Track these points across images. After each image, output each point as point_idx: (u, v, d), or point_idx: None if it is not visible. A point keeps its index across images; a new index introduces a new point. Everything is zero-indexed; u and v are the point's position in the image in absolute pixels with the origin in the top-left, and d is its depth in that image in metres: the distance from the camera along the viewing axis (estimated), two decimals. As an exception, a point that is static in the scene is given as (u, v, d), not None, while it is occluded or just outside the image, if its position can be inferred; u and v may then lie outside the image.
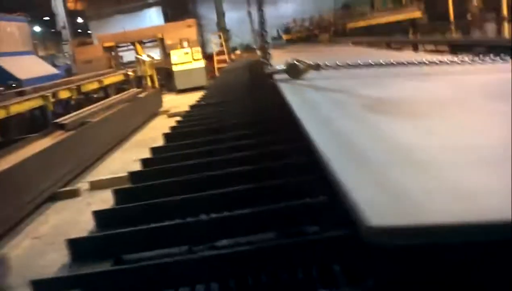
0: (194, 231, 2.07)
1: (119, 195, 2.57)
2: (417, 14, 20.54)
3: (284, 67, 3.45)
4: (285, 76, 3.46)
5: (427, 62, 3.29)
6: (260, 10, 3.36)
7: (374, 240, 0.81)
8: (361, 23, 21.23)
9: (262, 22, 3.45)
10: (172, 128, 4.20)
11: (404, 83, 2.76)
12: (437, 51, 10.43)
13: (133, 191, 2.63)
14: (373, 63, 3.43)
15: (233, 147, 3.10)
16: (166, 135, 3.89)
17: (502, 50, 8.15)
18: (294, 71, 3.45)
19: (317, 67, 3.45)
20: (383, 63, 3.40)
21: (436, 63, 3.25)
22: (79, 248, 2.00)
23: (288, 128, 3.12)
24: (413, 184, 0.96)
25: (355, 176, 1.02)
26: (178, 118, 8.51)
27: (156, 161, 3.22)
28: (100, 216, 2.31)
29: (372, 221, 0.81)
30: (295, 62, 3.43)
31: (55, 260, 3.94)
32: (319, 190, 2.15)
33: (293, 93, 2.58)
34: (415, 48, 11.25)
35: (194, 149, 3.33)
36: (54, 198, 5.70)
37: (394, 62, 3.41)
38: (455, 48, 9.37)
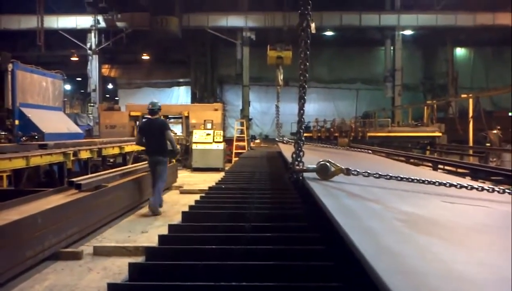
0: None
1: (134, 269, 2.49)
2: (436, 133, 20.96)
3: (315, 167, 3.46)
4: (313, 175, 3.47)
5: (455, 184, 3.28)
6: (301, 109, 3.43)
7: None
8: (381, 133, 21.67)
9: (300, 120, 3.50)
10: (191, 207, 4.15)
11: (437, 203, 2.73)
12: (456, 172, 10.49)
13: (148, 268, 2.55)
14: (403, 177, 3.42)
15: (254, 239, 3.04)
16: (184, 214, 3.84)
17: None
18: (324, 172, 3.45)
19: (347, 172, 3.45)
20: (414, 179, 3.40)
21: (466, 187, 3.24)
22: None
23: (316, 229, 3.07)
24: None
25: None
26: (191, 196, 8.45)
27: (173, 239, 3.16)
28: (113, 289, 2.22)
29: None
30: (327, 163, 3.45)
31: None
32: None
33: (326, 195, 2.55)
34: (435, 166, 11.33)
35: (211, 233, 3.27)
36: (56, 257, 5.57)
37: (423, 180, 3.41)
38: (475, 172, 9.42)
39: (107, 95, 36.21)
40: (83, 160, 10.20)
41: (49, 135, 12.13)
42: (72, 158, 9.18)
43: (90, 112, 26.48)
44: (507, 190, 3.21)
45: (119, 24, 25.39)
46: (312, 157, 4.29)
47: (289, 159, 3.82)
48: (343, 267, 2.24)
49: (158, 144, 8.67)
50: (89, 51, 25.81)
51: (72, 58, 27.95)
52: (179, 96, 33.77)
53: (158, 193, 8.62)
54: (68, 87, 39.50)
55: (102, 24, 25.47)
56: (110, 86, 37.10)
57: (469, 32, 27.95)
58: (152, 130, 8.74)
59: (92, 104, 25.83)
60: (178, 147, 9.42)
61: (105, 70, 31.90)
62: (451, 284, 1.13)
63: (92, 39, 25.69)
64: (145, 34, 25.39)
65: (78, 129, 15.84)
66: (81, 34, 25.78)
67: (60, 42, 26.57)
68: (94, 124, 24.03)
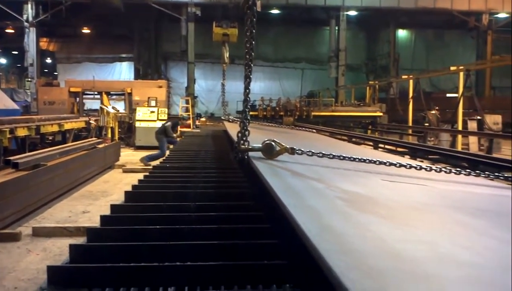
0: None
1: (75, 251, 2.42)
2: (378, 113, 21.55)
3: (261, 146, 3.48)
4: (259, 154, 3.49)
5: (395, 163, 3.40)
6: (247, 89, 3.42)
7: None
8: (325, 113, 22.04)
9: (246, 99, 3.49)
10: (134, 187, 4.08)
11: (378, 182, 2.81)
12: (396, 151, 10.85)
13: (90, 250, 2.49)
14: (345, 156, 3.50)
15: (199, 218, 3.03)
16: (127, 193, 3.77)
17: (456, 160, 8.54)
18: (269, 151, 3.47)
19: (292, 151, 3.49)
20: (356, 158, 3.48)
21: (405, 166, 3.36)
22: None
23: (261, 207, 3.10)
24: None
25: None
26: (135, 175, 8.29)
27: (116, 219, 3.09)
28: (53, 272, 2.15)
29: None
30: (272, 143, 3.47)
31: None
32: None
33: (271, 175, 2.57)
34: (375, 145, 11.68)
35: (156, 213, 3.23)
36: (-8, 239, 5.35)
37: (364, 159, 3.50)
38: (414, 151, 9.80)
39: (46, 70, 34.74)
40: (20, 137, 9.78)
41: (-17, 112, 11.54)
42: (8, 136, 8.79)
43: (28, 88, 25.31)
44: (443, 169, 3.36)
45: (58, -5, 24.27)
46: (257, 136, 4.30)
47: (235, 138, 3.81)
48: (287, 245, 2.27)
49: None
50: (26, 24, 24.57)
51: (7, 31, 26.52)
52: (121, 72, 32.92)
53: (152, 154, 11.60)
54: (3, 61, 37.58)
55: (40, -5, 24.28)
56: (48, 60, 35.60)
57: (411, 15, 28.76)
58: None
59: (29, 80, 24.69)
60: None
61: (44, 43, 30.56)
62: (390, 262, 1.16)
63: (29, 11, 24.45)
64: (85, 6, 24.43)
65: (14, 106, 15.14)
66: (17, 5, 24.46)
67: (-6, 13, 25.14)
68: (32, 100, 23.03)
